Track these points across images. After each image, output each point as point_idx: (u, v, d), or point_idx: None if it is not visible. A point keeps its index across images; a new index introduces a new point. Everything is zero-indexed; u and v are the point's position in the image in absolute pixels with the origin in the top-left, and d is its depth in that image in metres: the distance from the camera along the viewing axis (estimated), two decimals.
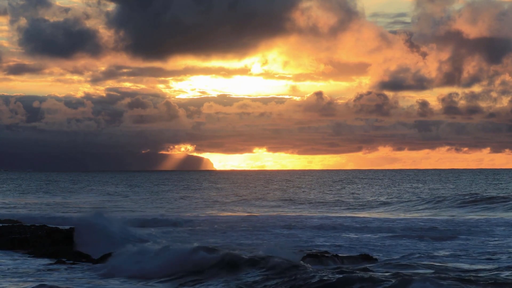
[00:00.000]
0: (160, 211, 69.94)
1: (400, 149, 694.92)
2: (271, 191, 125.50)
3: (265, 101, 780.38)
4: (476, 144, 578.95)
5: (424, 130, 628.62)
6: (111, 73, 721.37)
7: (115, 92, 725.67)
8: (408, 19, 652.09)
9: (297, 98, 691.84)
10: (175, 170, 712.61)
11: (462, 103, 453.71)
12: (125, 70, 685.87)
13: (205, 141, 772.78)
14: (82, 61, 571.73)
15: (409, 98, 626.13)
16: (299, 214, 66.67)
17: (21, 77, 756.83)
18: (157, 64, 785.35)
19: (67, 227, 40.49)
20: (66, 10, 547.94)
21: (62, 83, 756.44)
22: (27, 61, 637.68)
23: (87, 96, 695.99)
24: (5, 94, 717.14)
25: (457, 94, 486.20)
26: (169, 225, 53.57)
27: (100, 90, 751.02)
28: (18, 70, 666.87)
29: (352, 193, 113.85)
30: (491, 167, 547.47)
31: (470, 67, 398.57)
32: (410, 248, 37.57)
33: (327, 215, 64.49)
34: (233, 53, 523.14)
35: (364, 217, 61.62)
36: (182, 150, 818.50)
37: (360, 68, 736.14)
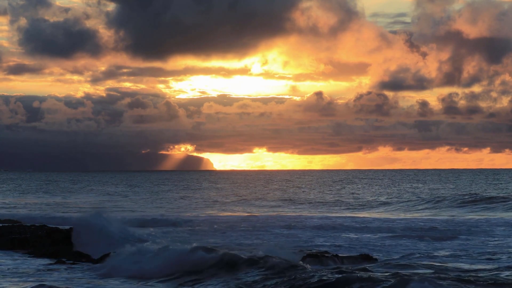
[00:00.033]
0: (160, 211, 69.94)
1: (400, 149, 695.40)
2: (271, 191, 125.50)
3: (265, 101, 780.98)
4: (476, 144, 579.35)
5: (424, 130, 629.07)
6: (111, 73, 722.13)
7: (115, 92, 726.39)
8: (408, 19, 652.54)
9: (297, 98, 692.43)
10: (175, 170, 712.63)
11: (462, 103, 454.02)
12: (125, 70, 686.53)
13: (205, 141, 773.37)
14: (82, 61, 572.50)
15: (409, 98, 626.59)
16: (299, 214, 66.66)
17: (21, 77, 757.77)
18: (157, 64, 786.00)
19: (67, 227, 40.49)
20: (66, 10, 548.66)
21: (62, 83, 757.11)
22: (27, 61, 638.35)
23: (87, 96, 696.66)
24: (5, 94, 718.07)
25: (457, 94, 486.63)
26: (169, 225, 53.56)
27: (100, 90, 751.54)
28: (18, 70, 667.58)
29: (352, 193, 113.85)
30: (491, 167, 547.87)
31: (470, 67, 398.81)
32: (410, 248, 37.57)
33: (327, 215, 64.48)
34: (233, 53, 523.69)
35: (364, 217, 61.61)
36: (182, 150, 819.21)
37: (360, 68, 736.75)
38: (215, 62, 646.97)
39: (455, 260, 32.39)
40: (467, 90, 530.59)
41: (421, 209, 73.99)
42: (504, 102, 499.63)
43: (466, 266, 29.47)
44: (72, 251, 34.44)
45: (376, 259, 31.86)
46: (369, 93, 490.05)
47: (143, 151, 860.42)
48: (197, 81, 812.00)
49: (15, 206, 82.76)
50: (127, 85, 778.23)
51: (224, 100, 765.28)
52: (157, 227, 51.18)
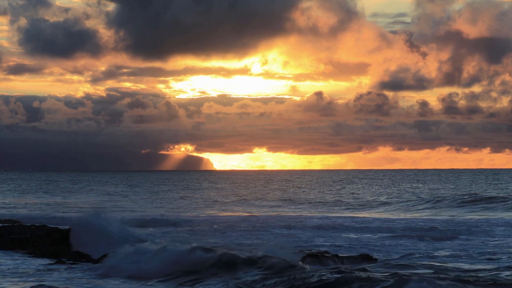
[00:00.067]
0: (160, 211, 69.92)
1: (400, 149, 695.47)
2: (271, 191, 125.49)
3: (265, 101, 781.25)
4: (476, 144, 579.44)
5: (424, 130, 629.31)
6: (111, 73, 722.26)
7: (115, 92, 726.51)
8: (408, 19, 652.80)
9: (297, 98, 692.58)
10: (175, 170, 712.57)
11: (462, 103, 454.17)
12: (125, 70, 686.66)
13: (205, 141, 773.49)
14: (82, 61, 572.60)
15: (409, 98, 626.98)
16: (299, 214, 66.65)
17: (21, 77, 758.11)
18: (157, 64, 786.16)
19: (66, 227, 40.45)
20: (66, 10, 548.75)
21: (62, 83, 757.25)
22: (27, 61, 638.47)
23: (87, 96, 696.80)
24: (5, 94, 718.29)
25: (457, 94, 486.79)
26: (169, 225, 53.55)
27: (100, 90, 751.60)
28: (18, 70, 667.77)
29: (352, 193, 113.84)
30: (491, 167, 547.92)
31: (470, 67, 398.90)
32: (410, 248, 37.56)
33: (327, 215, 64.48)
34: (233, 53, 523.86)
35: (364, 217, 61.60)
36: (182, 150, 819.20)
37: (360, 68, 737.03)
38: (215, 62, 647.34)
39: (455, 260, 32.38)
40: (467, 90, 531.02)
41: (421, 209, 73.99)
42: (504, 102, 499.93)
43: (466, 266, 29.46)
44: (72, 251, 34.42)
45: (376, 259, 31.86)
46: (369, 93, 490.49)
47: (143, 151, 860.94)
48: (197, 81, 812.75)
49: (15, 206, 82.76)
50: (127, 85, 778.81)
51: (224, 100, 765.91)
52: (157, 227, 51.18)
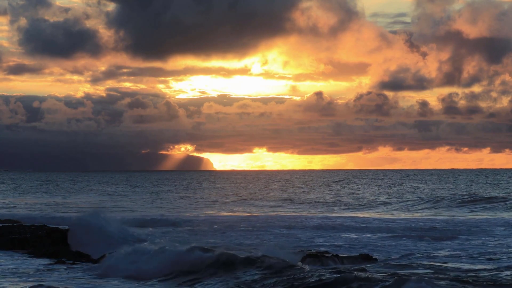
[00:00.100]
0: (159, 211, 69.91)
1: (400, 149, 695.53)
2: (271, 191, 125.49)
3: (265, 101, 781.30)
4: (476, 144, 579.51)
5: (424, 130, 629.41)
6: (111, 73, 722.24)
7: (115, 92, 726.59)
8: (408, 19, 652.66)
9: (297, 98, 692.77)
10: (175, 170, 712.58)
11: (462, 103, 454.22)
12: (125, 70, 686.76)
13: (205, 141, 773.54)
14: (82, 61, 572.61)
15: (409, 98, 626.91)
16: (299, 214, 66.64)
17: (21, 77, 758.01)
18: (157, 64, 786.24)
19: (66, 227, 40.47)
20: (66, 10, 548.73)
21: (62, 83, 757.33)
22: (27, 61, 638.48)
23: (87, 96, 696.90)
24: (5, 94, 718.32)
25: (457, 94, 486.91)
26: (169, 225, 53.55)
27: (100, 90, 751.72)
28: (18, 70, 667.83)
29: (352, 193, 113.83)
30: (491, 167, 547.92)
31: (470, 67, 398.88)
32: (410, 248, 37.56)
33: (327, 215, 64.47)
34: (233, 53, 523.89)
35: (364, 217, 61.60)
36: (182, 150, 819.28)
37: (360, 68, 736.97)
38: (215, 62, 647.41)
39: (455, 260, 32.38)
40: (467, 90, 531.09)
41: (421, 209, 73.99)
42: (504, 102, 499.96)
43: (466, 266, 29.46)
44: (72, 251, 34.43)
45: (376, 259, 31.86)
46: (369, 93, 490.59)
47: (143, 151, 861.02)
48: (197, 81, 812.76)
49: (15, 206, 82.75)
50: (127, 85, 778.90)
51: (224, 100, 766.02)
52: (156, 227, 51.19)
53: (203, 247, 29.00)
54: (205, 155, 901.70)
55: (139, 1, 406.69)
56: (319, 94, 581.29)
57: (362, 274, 22.86)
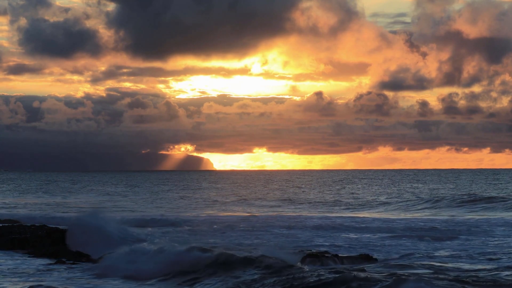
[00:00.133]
0: (159, 211, 69.89)
1: (400, 149, 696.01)
2: (271, 191, 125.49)
3: (265, 101, 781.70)
4: (476, 144, 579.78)
5: (424, 130, 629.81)
6: (111, 73, 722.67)
7: (115, 92, 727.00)
8: (408, 19, 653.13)
9: (297, 98, 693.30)
10: (175, 170, 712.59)
11: (462, 103, 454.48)
12: (125, 70, 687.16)
13: (205, 141, 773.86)
14: (82, 61, 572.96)
15: (409, 98, 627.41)
16: (299, 214, 66.62)
17: (21, 77, 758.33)
18: (157, 64, 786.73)
19: (66, 227, 40.47)
20: (66, 10, 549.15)
21: (62, 83, 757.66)
22: (27, 61, 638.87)
23: (87, 96, 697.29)
24: (5, 94, 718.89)
25: (457, 94, 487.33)
26: (169, 225, 53.53)
27: (100, 90, 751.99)
28: (18, 70, 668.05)
29: (352, 193, 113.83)
30: (491, 167, 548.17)
31: (470, 67, 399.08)
32: (410, 248, 37.55)
33: (326, 215, 64.46)
34: (233, 53, 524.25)
35: (364, 217, 61.59)
36: (182, 150, 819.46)
37: (360, 68, 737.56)
38: (215, 62, 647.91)
39: (455, 260, 32.38)
40: (467, 90, 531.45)
41: (421, 209, 73.98)
42: (504, 102, 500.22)
43: (466, 266, 29.47)
44: (72, 251, 34.42)
45: (376, 259, 31.86)
46: (369, 93, 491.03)
47: (143, 151, 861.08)
48: (197, 81, 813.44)
49: (15, 206, 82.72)
50: (127, 85, 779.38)
51: (224, 100, 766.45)
52: (156, 227, 51.19)
53: (202, 247, 29.02)
54: (205, 155, 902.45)
55: (139, 1, 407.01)
56: (319, 94, 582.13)
57: (361, 274, 22.86)
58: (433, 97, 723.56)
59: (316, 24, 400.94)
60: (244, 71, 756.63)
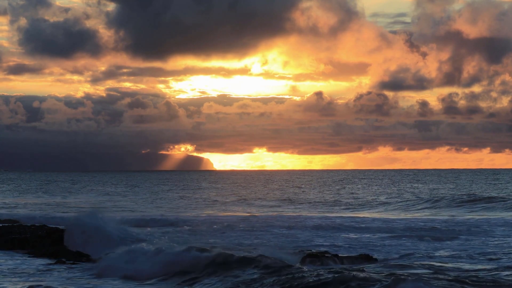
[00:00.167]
0: (159, 211, 69.91)
1: (400, 149, 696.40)
2: (271, 191, 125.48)
3: (265, 101, 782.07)
4: (476, 144, 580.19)
5: (424, 130, 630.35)
6: (111, 73, 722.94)
7: (115, 92, 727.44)
8: (408, 19, 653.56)
9: (297, 98, 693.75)
10: (175, 170, 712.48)
11: (462, 103, 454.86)
12: (125, 70, 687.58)
13: (205, 141, 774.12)
14: (82, 61, 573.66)
15: (409, 98, 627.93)
16: (299, 214, 66.60)
17: (21, 77, 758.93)
18: (157, 64, 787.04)
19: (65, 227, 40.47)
20: (66, 10, 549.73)
21: (62, 83, 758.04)
22: (27, 61, 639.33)
23: (87, 96, 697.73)
24: (5, 94, 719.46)
25: (457, 94, 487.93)
26: (168, 225, 53.53)
27: (100, 90, 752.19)
28: (18, 70, 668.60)
29: (352, 193, 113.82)
30: (491, 167, 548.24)
31: (470, 67, 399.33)
32: (410, 248, 37.53)
33: (326, 215, 64.45)
34: (233, 53, 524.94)
35: (363, 217, 61.57)
36: (182, 150, 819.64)
37: (360, 68, 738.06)
38: (215, 62, 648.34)
39: (455, 260, 32.37)
40: (467, 90, 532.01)
41: (421, 209, 73.97)
42: (504, 102, 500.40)
43: (466, 266, 29.47)
44: (72, 251, 34.42)
45: (376, 259, 31.87)
46: (369, 93, 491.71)
47: (143, 151, 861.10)
48: (197, 81, 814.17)
49: (15, 206, 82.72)
50: (127, 85, 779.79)
51: (224, 100, 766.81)
52: (156, 227, 51.18)
53: (201, 247, 29.02)
54: (205, 155, 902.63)
55: (139, 1, 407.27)
56: (319, 94, 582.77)
57: (360, 274, 22.86)
58: (433, 97, 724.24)
59: (316, 24, 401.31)
60: (244, 71, 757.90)
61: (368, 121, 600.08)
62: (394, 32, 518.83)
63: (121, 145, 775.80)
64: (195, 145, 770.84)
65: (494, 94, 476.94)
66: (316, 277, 23.05)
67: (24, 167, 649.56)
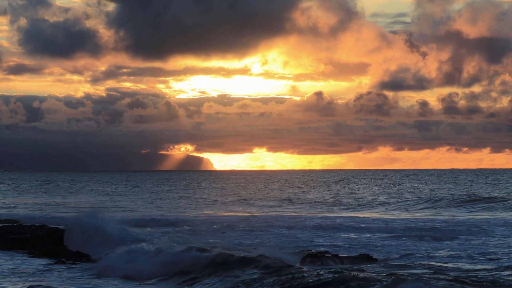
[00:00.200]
0: (159, 211, 69.91)
1: (400, 149, 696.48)
2: (271, 191, 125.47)
3: (265, 101, 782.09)
4: (476, 144, 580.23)
5: (424, 130, 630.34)
6: (111, 73, 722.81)
7: (115, 92, 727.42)
8: (408, 19, 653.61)
9: (297, 98, 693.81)
10: (175, 170, 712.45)
11: (462, 103, 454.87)
12: (125, 70, 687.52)
13: (205, 141, 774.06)
14: (82, 61, 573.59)
15: (409, 98, 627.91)
16: (299, 214, 66.60)
17: (21, 77, 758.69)
18: (157, 64, 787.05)
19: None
20: (66, 10, 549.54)
21: (62, 83, 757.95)
22: (27, 61, 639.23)
23: (87, 96, 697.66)
24: (5, 94, 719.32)
25: (457, 94, 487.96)
26: (168, 225, 53.54)
27: (100, 90, 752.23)
28: (18, 70, 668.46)
29: (352, 193, 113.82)
30: (491, 167, 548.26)
31: (470, 67, 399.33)
32: (410, 248, 37.54)
33: (326, 215, 64.45)
34: (233, 53, 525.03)
35: (363, 217, 61.57)
36: (182, 150, 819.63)
37: (360, 68, 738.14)
38: (215, 62, 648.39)
39: (455, 260, 32.37)
40: (467, 90, 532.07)
41: (421, 209, 73.97)
42: (504, 102, 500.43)
43: (466, 266, 29.47)
44: (72, 251, 34.42)
45: (376, 259, 31.87)
46: (369, 93, 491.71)
47: (143, 151, 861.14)
48: (197, 81, 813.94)
49: (15, 206, 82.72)
50: (127, 85, 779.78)
51: (224, 100, 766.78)
52: (156, 227, 51.18)
53: (201, 247, 29.02)
54: (205, 155, 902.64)
55: (139, 1, 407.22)
56: (319, 94, 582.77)
57: (360, 274, 22.85)
58: (433, 97, 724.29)
59: (316, 24, 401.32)
60: (244, 71, 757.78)
61: (368, 121, 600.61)
62: (394, 32, 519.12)
63: (121, 145, 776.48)
64: (195, 145, 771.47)
65: (494, 94, 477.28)
66: (316, 277, 23.05)
67: (24, 167, 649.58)
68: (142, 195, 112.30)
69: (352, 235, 45.21)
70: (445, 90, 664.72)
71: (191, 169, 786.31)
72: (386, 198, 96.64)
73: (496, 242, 40.28)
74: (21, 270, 29.39)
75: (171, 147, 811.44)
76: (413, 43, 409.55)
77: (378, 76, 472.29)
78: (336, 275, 22.78)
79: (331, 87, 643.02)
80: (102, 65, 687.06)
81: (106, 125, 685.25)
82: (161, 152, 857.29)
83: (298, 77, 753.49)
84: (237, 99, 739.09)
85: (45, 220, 56.51)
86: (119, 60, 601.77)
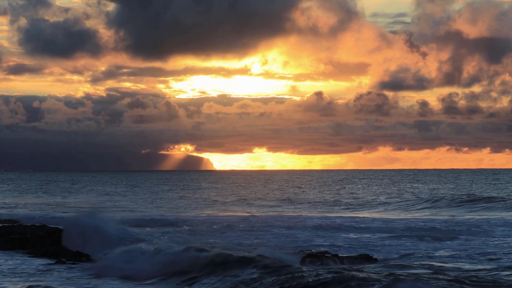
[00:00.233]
0: (159, 211, 69.91)
1: (400, 149, 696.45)
2: (271, 191, 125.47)
3: (265, 101, 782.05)
4: (476, 144, 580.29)
5: (424, 130, 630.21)
6: (111, 73, 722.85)
7: (115, 92, 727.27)
8: (408, 19, 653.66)
9: (297, 98, 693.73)
10: (175, 170, 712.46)
11: (462, 103, 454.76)
12: (125, 70, 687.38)
13: (205, 141, 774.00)
14: (82, 61, 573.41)
15: (409, 98, 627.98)
16: (299, 214, 66.60)
17: (21, 77, 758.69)
18: (157, 64, 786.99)
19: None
20: (66, 10, 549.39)
21: (62, 83, 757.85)
22: (27, 61, 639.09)
23: (87, 96, 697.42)
24: (5, 94, 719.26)
25: (457, 94, 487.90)
26: (168, 225, 53.53)
27: (100, 90, 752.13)
28: (18, 70, 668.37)
29: (352, 193, 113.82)
30: (491, 167, 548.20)
31: (470, 67, 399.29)
32: (409, 248, 37.54)
33: (326, 215, 64.45)
34: (233, 53, 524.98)
35: (363, 217, 61.58)
36: (182, 150, 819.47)
37: (360, 68, 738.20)
38: (215, 62, 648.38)
39: (455, 260, 32.37)
40: (467, 90, 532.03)
41: (421, 209, 73.97)
42: (504, 102, 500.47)
43: (466, 266, 29.47)
44: (72, 251, 34.42)
45: (375, 259, 31.86)
46: (369, 93, 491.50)
47: (143, 151, 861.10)
48: (197, 81, 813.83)
49: (15, 206, 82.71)
50: (127, 85, 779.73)
51: (224, 100, 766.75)
52: (156, 227, 51.18)
53: (200, 247, 29.02)
54: (205, 155, 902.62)
55: (139, 1, 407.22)
56: (319, 94, 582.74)
57: (360, 274, 22.85)
58: (433, 97, 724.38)
59: (316, 24, 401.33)
60: (244, 71, 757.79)
61: (368, 121, 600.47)
62: (394, 32, 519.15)
63: (121, 145, 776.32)
64: (195, 145, 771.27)
65: (494, 94, 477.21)
66: (315, 277, 23.05)
67: (24, 167, 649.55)
68: (142, 195, 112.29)
69: (352, 235, 45.21)
70: (445, 90, 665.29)
71: (191, 169, 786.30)
72: (386, 198, 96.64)
73: (496, 242, 40.28)
74: (21, 270, 29.39)
75: (171, 147, 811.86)
76: (413, 43, 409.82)
77: (378, 76, 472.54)
78: (335, 275, 22.78)
79: (331, 87, 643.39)
80: (102, 65, 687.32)
81: (106, 125, 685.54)
82: (161, 152, 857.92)
83: (298, 77, 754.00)
84: (237, 99, 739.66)
85: (45, 220, 56.49)
86: (119, 60, 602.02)
